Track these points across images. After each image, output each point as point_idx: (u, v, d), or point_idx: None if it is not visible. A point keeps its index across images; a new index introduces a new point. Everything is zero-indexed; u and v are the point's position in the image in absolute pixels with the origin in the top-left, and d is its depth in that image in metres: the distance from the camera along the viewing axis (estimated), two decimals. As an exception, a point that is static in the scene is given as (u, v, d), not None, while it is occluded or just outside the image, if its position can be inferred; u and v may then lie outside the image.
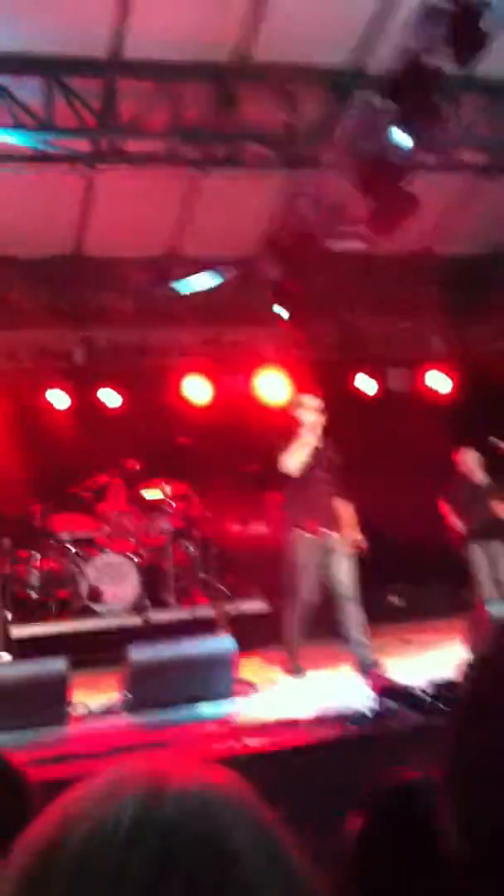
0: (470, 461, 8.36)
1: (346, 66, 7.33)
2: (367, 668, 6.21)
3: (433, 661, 5.86)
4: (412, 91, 5.92)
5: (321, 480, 6.70)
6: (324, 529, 6.62)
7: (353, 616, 6.55)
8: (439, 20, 5.70)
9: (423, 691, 4.30)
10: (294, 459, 6.64)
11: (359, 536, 6.82)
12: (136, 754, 0.70)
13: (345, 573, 6.61)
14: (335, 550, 6.66)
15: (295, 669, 6.56)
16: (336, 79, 7.45)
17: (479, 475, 8.34)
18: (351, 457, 9.73)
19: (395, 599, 9.64)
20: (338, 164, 7.04)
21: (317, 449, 6.72)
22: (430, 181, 8.06)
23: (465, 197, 9.25)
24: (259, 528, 9.64)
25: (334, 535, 6.65)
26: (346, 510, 6.81)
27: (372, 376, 10.85)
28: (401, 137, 6.23)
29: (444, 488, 8.48)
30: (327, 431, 6.85)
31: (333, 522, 6.70)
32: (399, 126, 6.18)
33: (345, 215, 7.39)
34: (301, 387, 7.09)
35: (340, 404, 10.52)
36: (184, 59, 7.05)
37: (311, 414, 6.74)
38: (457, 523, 8.27)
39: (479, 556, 8.09)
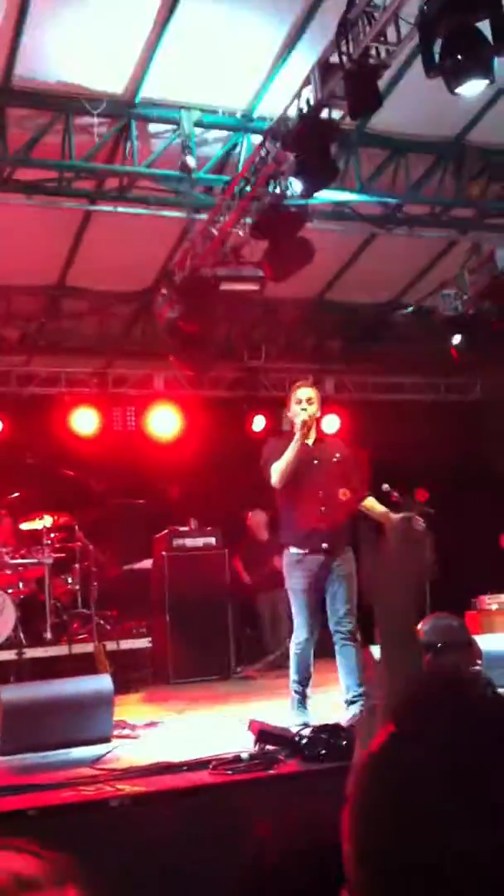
0: (257, 522, 9.70)
1: (246, 111, 7.47)
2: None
3: (318, 703, 5.85)
4: (309, 142, 6.05)
5: (316, 487, 5.63)
6: (322, 546, 5.58)
7: (350, 654, 5.62)
8: (337, 75, 5.86)
9: (303, 736, 4.29)
10: (278, 468, 5.59)
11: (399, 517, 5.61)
12: None
13: (342, 601, 5.61)
14: (334, 573, 5.61)
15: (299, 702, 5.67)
16: (235, 123, 7.58)
17: (263, 534, 9.62)
18: (242, 496, 9.84)
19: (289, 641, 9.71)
20: (234, 208, 7.12)
21: (309, 449, 5.66)
22: (328, 230, 8.27)
23: (362, 247, 9.53)
24: (143, 563, 9.54)
25: (334, 553, 5.60)
26: (371, 504, 5.74)
27: (266, 417, 11.00)
28: (296, 186, 6.36)
29: (236, 546, 9.75)
30: (321, 427, 5.87)
31: (333, 537, 5.62)
32: (295, 175, 6.30)
33: (240, 257, 7.46)
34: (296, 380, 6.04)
35: (235, 444, 10.64)
36: (77, 91, 7.02)
37: (300, 409, 5.65)
38: (245, 577, 9.70)
39: (263, 607, 9.40)
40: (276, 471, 5.60)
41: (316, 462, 5.71)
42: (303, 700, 5.70)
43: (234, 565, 9.74)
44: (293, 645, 5.76)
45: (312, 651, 5.73)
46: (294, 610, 5.74)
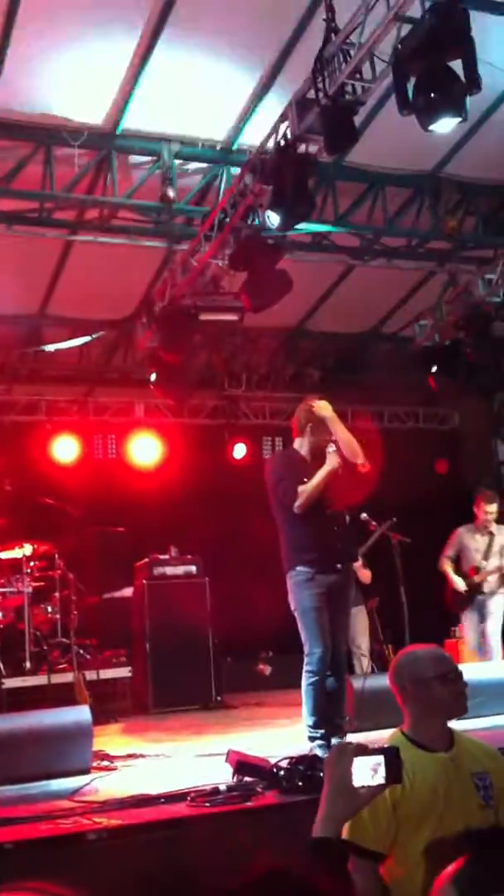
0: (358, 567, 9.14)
1: (226, 143, 7.57)
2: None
3: (295, 734, 5.79)
4: (286, 175, 6.13)
5: (330, 505, 5.24)
6: (335, 566, 5.23)
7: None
8: (313, 111, 5.96)
9: (280, 768, 4.28)
10: (307, 493, 5.17)
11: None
12: None
13: (341, 630, 5.40)
14: (341, 597, 5.31)
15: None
16: (215, 155, 7.67)
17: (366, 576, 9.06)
18: (223, 524, 9.83)
19: (264, 668, 9.67)
20: (214, 239, 7.20)
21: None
22: (307, 261, 8.37)
23: (340, 278, 9.62)
24: (123, 591, 9.50)
25: (346, 571, 5.31)
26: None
27: (247, 445, 11.08)
28: (274, 219, 6.43)
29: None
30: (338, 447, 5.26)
31: (344, 556, 5.33)
32: (273, 208, 6.38)
33: (220, 288, 7.53)
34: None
35: (216, 471, 10.67)
36: (58, 123, 7.09)
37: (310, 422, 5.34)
38: None
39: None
40: (304, 495, 5.17)
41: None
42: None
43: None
44: (305, 674, 5.20)
45: (332, 678, 5.24)
46: (305, 632, 5.20)
